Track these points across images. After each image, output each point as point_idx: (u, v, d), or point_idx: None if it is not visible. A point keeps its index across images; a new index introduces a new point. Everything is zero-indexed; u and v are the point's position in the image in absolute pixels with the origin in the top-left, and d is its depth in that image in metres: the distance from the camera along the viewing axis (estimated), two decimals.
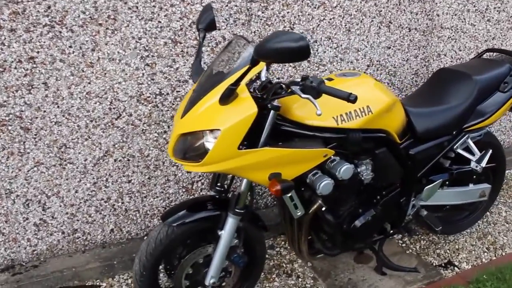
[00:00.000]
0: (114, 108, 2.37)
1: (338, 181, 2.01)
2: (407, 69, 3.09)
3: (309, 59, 2.82)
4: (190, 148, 1.80)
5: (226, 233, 1.98)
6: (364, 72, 2.33)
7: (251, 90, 1.91)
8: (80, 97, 2.29)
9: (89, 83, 2.28)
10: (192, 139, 1.79)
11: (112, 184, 2.51)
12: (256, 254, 2.21)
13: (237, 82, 1.68)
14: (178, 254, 2.08)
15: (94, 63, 2.25)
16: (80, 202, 2.47)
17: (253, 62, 1.61)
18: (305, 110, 1.91)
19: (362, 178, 2.17)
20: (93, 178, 2.45)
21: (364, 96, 1.99)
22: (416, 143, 2.31)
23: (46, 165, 2.33)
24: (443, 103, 2.38)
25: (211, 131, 1.74)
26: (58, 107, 2.26)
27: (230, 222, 1.97)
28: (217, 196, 2.07)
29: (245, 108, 1.73)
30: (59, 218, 2.46)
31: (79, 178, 2.42)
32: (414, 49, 3.07)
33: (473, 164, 2.45)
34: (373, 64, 2.97)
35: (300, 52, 1.54)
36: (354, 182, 2.13)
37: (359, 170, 2.15)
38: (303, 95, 1.73)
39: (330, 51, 2.82)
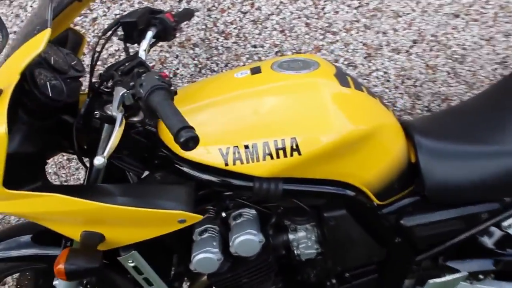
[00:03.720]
0: None
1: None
2: (487, 54, 1.86)
3: (308, 21, 1.79)
4: None
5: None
6: (334, 63, 1.30)
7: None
8: None
9: None
10: None
11: None
12: None
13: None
14: None
15: None
16: None
17: None
18: None
19: (297, 252, 1.23)
20: None
21: (294, 118, 1.05)
22: (421, 207, 1.25)
23: None
24: (497, 140, 1.24)
25: None
26: None
27: None
28: None
29: None
30: None
31: None
32: (506, 22, 1.81)
33: None
34: (423, 40, 1.81)
35: None
36: (278, 257, 1.22)
37: (292, 237, 1.22)
38: (113, 112, 0.90)
39: (347, 12, 1.75)
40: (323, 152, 1.04)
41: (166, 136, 1.11)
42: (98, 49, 1.12)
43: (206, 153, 1.05)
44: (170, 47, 1.83)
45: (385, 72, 1.88)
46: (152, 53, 1.83)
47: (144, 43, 1.20)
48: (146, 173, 1.21)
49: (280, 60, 1.18)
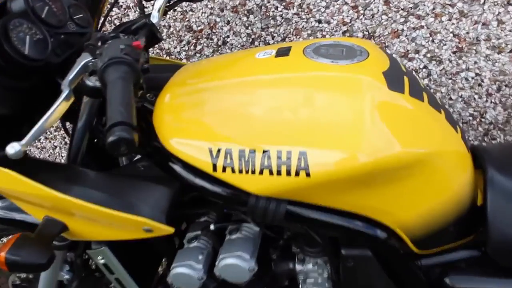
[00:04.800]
0: None
1: None
2: None
3: None
4: None
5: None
6: (390, 55, 0.93)
7: None
8: None
9: None
10: None
11: None
12: None
13: None
14: None
15: None
16: None
17: None
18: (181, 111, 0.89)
19: (304, 287, 0.99)
20: None
21: (312, 125, 0.79)
22: (479, 266, 0.93)
23: None
24: None
25: None
26: None
27: None
28: None
29: None
30: None
31: None
32: None
33: None
34: None
35: None
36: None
37: (299, 269, 0.97)
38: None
39: None
40: (343, 178, 0.76)
41: (156, 120, 0.90)
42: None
43: (195, 150, 0.82)
44: (222, 10, 1.60)
45: (477, 74, 1.50)
46: (201, 16, 1.61)
47: (158, 2, 0.98)
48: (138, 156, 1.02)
49: (319, 42, 0.90)
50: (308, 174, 0.75)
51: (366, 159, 0.75)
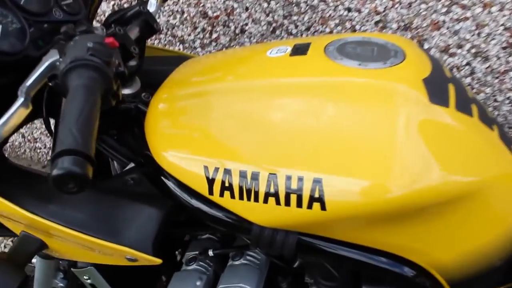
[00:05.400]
0: None
1: None
2: None
3: None
4: None
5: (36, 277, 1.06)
6: (432, 56, 0.75)
7: None
8: None
9: None
10: None
11: None
12: None
13: None
14: None
15: None
16: None
17: None
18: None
19: None
20: None
21: (331, 147, 0.62)
22: None
23: None
24: None
25: None
26: None
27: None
28: None
29: None
30: None
31: None
32: None
33: None
34: None
35: None
36: None
37: None
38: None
39: None
40: (368, 214, 0.61)
41: (148, 127, 0.76)
42: None
43: (189, 167, 0.69)
44: None
45: None
46: (217, 1, 1.46)
47: None
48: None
49: (344, 39, 0.74)
50: (323, 207, 0.60)
51: (398, 191, 0.60)
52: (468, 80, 1.36)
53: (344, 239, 0.67)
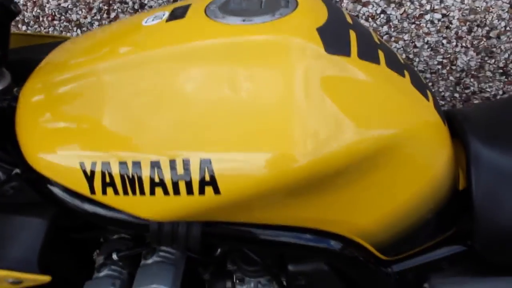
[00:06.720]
0: None
1: None
2: None
3: None
4: None
5: None
6: (329, 3, 0.67)
7: None
8: None
9: None
10: None
11: None
12: None
13: None
14: None
15: None
16: None
17: None
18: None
19: None
20: None
21: (219, 119, 0.54)
22: (464, 265, 0.74)
23: None
24: None
25: None
26: None
27: None
28: None
29: None
30: None
31: None
32: None
33: None
34: None
35: None
36: None
37: None
38: None
39: None
40: (270, 192, 0.53)
41: (19, 127, 0.65)
42: None
43: (65, 166, 0.58)
44: None
45: (444, 15, 1.27)
46: None
47: None
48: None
49: None
50: (217, 190, 0.52)
51: (302, 160, 0.52)
52: (385, 28, 1.32)
53: (255, 222, 0.59)
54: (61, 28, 1.44)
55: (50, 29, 1.45)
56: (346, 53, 0.59)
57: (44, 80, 0.69)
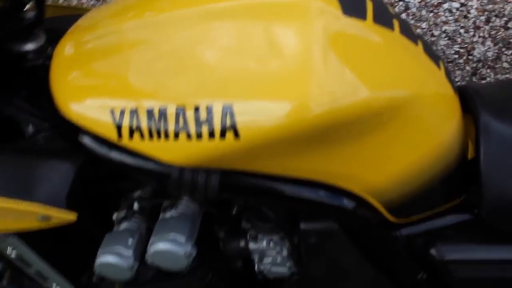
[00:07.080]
0: None
1: None
2: None
3: None
4: None
5: None
6: None
7: None
8: None
9: None
10: None
11: None
12: None
13: None
14: None
15: None
16: None
17: None
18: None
19: (261, 268, 0.82)
20: None
21: (240, 70, 0.60)
22: (471, 233, 0.76)
23: None
24: None
25: None
26: None
27: None
28: None
29: None
30: None
31: None
32: None
33: None
34: None
35: None
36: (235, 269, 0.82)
37: (253, 247, 0.80)
38: None
39: None
40: (287, 138, 0.57)
41: (53, 79, 0.69)
42: None
43: (95, 113, 0.63)
44: None
45: (462, 4, 1.29)
46: None
47: None
48: None
49: None
50: (237, 135, 0.55)
51: (318, 110, 0.56)
52: (403, 16, 1.34)
53: (270, 172, 0.63)
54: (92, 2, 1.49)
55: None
56: (362, 16, 0.62)
57: (76, 39, 0.74)
